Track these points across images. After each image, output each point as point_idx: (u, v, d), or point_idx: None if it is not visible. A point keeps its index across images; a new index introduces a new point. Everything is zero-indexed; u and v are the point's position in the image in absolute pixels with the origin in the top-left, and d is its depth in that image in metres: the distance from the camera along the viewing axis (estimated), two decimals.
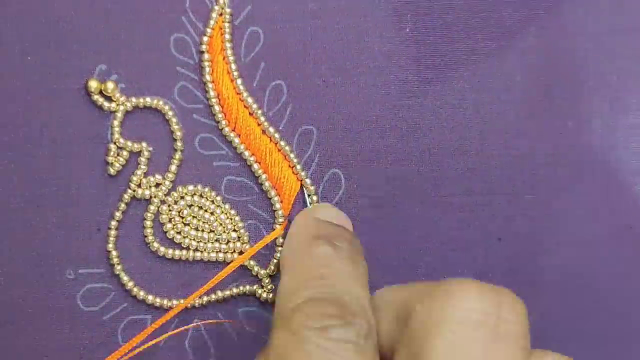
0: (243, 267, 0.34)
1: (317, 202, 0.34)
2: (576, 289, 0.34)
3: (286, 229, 0.33)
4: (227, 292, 0.33)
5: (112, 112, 0.33)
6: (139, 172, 0.33)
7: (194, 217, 0.33)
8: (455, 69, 0.34)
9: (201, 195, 0.33)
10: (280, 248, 0.34)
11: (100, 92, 0.33)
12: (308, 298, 0.25)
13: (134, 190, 0.33)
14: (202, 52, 0.33)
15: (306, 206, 0.33)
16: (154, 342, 0.33)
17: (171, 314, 0.32)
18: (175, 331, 0.33)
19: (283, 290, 0.27)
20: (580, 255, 0.34)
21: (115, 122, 0.33)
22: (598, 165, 0.34)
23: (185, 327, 0.33)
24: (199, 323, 0.33)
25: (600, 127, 0.34)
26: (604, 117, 0.35)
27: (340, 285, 0.26)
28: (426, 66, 0.34)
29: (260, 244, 0.33)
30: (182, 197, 0.33)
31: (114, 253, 0.33)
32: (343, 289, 0.26)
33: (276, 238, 0.34)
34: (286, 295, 0.26)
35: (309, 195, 0.33)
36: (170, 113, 0.33)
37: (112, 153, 0.33)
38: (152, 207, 0.33)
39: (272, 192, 0.33)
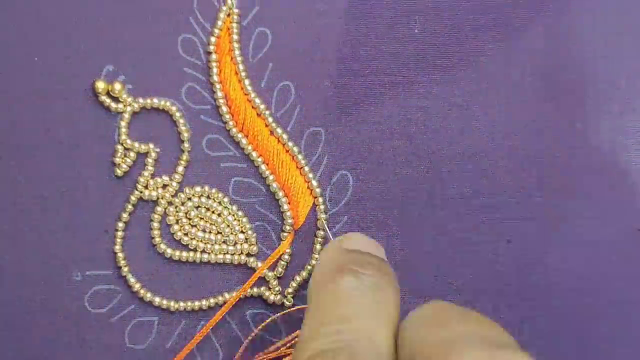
0: (251, 270, 0.33)
1: (325, 209, 0.33)
2: (586, 291, 0.34)
3: (296, 233, 0.33)
4: (235, 295, 0.33)
5: (120, 113, 0.33)
6: (146, 173, 0.33)
7: (201, 218, 0.33)
8: (464, 70, 0.34)
9: (208, 197, 0.33)
10: (288, 250, 0.33)
11: (108, 93, 0.33)
12: (320, 350, 0.24)
13: (141, 192, 0.33)
14: (210, 53, 0.33)
15: (318, 219, 0.33)
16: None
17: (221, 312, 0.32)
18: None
19: (301, 335, 0.25)
20: (589, 257, 0.34)
21: (123, 123, 0.33)
22: (607, 167, 0.34)
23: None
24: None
25: (609, 128, 0.34)
26: (613, 118, 0.34)
27: (360, 328, 0.24)
28: (434, 67, 0.34)
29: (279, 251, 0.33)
30: (189, 199, 0.33)
31: (120, 255, 0.33)
32: (361, 334, 0.24)
33: (284, 240, 0.33)
34: (302, 343, 0.25)
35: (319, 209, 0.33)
36: (178, 114, 0.33)
37: (119, 154, 0.33)
38: (159, 209, 0.33)
39: (280, 194, 0.33)
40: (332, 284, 0.26)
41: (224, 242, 0.33)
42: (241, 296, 0.33)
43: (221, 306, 0.33)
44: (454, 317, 0.25)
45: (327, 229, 0.33)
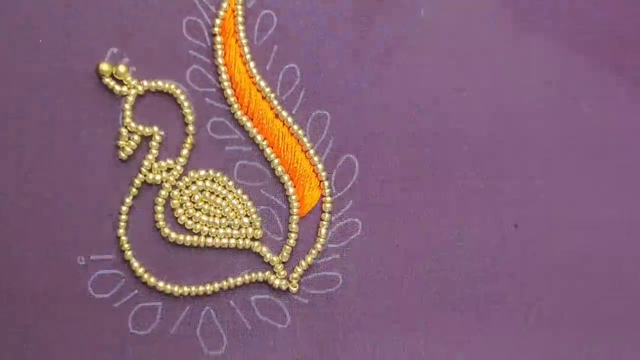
0: (255, 254, 0.33)
1: (330, 193, 0.33)
2: (592, 274, 0.34)
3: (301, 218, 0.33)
4: (239, 279, 0.33)
5: (124, 96, 0.33)
6: (150, 156, 0.33)
7: (205, 202, 0.33)
8: (469, 52, 0.34)
9: (213, 180, 0.33)
10: (294, 235, 0.33)
11: (112, 76, 0.32)
12: None
13: (145, 175, 0.33)
14: (215, 35, 0.33)
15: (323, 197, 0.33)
16: None
17: None
18: None
19: None
20: (596, 239, 0.34)
21: (127, 106, 0.32)
22: (612, 149, 0.34)
23: None
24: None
25: (616, 110, 0.34)
26: (619, 100, 0.34)
27: None
28: (440, 50, 0.34)
29: None
30: (193, 182, 0.33)
31: (124, 239, 0.32)
32: None
33: (289, 224, 0.33)
34: None
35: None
36: (182, 97, 0.33)
37: (123, 137, 0.32)
38: (163, 192, 0.33)
39: (285, 177, 0.33)
40: None
41: (229, 226, 0.33)
42: (246, 281, 0.33)
43: (226, 291, 0.33)
44: None
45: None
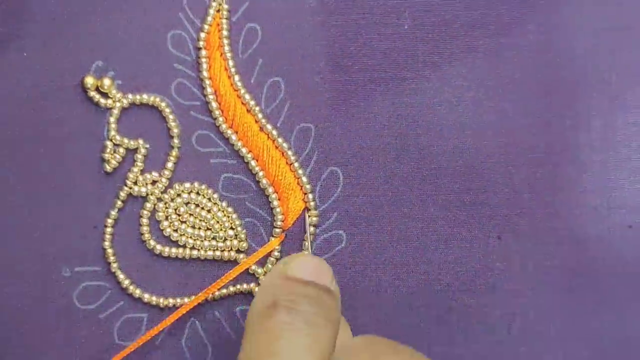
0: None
1: (315, 206, 0.33)
2: (576, 288, 0.34)
3: (284, 231, 0.33)
4: (224, 291, 0.33)
5: (109, 109, 0.33)
6: (135, 169, 0.33)
7: (190, 214, 0.33)
8: (454, 66, 0.34)
9: (198, 193, 0.33)
10: (278, 247, 0.33)
11: (97, 89, 0.33)
12: None
13: (131, 188, 0.33)
14: (200, 49, 0.33)
15: (306, 217, 0.33)
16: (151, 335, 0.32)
17: (181, 311, 0.32)
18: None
19: None
20: (580, 254, 0.34)
21: (112, 119, 0.33)
22: (597, 164, 0.34)
23: None
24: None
25: (600, 125, 0.34)
26: (603, 115, 0.34)
27: None
28: (424, 63, 0.34)
29: (264, 250, 0.33)
30: (178, 195, 0.33)
31: (110, 251, 0.33)
32: None
33: (274, 236, 0.33)
34: None
35: (309, 216, 0.33)
36: (167, 110, 0.33)
37: (108, 150, 0.33)
38: (148, 205, 0.33)
39: (270, 190, 0.33)
40: (266, 319, 0.25)
41: (214, 238, 0.33)
42: (231, 293, 0.33)
43: (211, 303, 0.33)
44: (386, 351, 0.26)
45: (309, 243, 0.33)
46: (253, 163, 0.33)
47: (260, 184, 0.33)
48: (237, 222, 0.33)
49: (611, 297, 0.34)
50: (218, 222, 0.33)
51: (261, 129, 0.33)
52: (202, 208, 0.33)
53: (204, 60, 0.33)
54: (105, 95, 0.33)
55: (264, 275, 0.33)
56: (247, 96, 0.33)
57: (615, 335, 0.34)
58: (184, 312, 0.32)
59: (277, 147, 0.33)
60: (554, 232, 0.34)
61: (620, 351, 0.34)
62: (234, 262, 0.33)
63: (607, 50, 0.34)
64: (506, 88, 0.34)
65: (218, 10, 0.33)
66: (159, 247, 0.33)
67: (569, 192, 0.34)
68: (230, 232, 0.33)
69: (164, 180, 0.33)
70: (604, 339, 0.34)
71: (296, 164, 0.33)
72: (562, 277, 0.34)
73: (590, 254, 0.34)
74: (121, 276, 0.33)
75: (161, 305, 0.33)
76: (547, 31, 0.34)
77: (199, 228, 0.33)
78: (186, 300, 0.33)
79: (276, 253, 0.33)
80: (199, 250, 0.33)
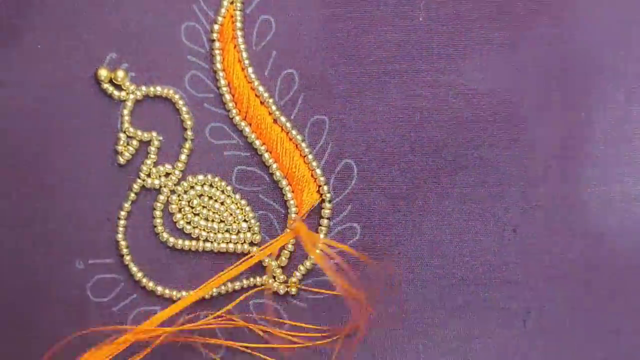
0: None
1: (330, 196, 0.33)
2: (592, 281, 0.34)
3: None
4: (238, 284, 0.33)
5: (122, 101, 0.33)
6: (148, 161, 0.33)
7: (204, 207, 0.33)
8: (469, 58, 0.34)
9: (211, 185, 0.33)
10: (292, 240, 0.33)
11: (110, 81, 0.32)
12: None
13: (144, 180, 0.33)
14: (213, 41, 0.33)
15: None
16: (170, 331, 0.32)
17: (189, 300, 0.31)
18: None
19: None
20: (596, 247, 0.34)
21: (125, 111, 0.33)
22: (612, 156, 0.34)
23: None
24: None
25: (615, 118, 0.34)
26: (618, 107, 0.34)
27: None
28: (439, 56, 0.34)
29: (279, 241, 0.32)
30: (192, 187, 0.33)
31: (123, 243, 0.32)
32: None
33: (288, 228, 0.33)
34: None
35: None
36: (181, 102, 0.33)
37: (121, 142, 0.32)
38: (161, 197, 0.33)
39: (284, 182, 0.33)
40: None
41: (227, 231, 0.33)
42: (244, 286, 0.33)
43: (224, 296, 0.33)
44: None
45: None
46: (267, 155, 0.33)
47: (274, 177, 0.33)
48: (251, 215, 0.33)
49: (627, 290, 0.34)
50: (231, 214, 0.33)
51: (275, 121, 0.33)
52: (216, 200, 0.33)
53: (217, 52, 0.33)
54: (118, 87, 0.33)
55: (278, 268, 0.33)
56: (260, 88, 0.33)
57: (631, 327, 0.34)
58: (196, 299, 0.32)
59: (290, 140, 0.33)
60: (570, 225, 0.34)
61: (636, 344, 0.34)
62: (247, 255, 0.33)
63: (622, 43, 0.34)
64: (521, 81, 0.34)
65: (232, 2, 0.33)
66: (172, 239, 0.33)
67: (584, 185, 0.34)
68: (244, 225, 0.33)
69: (177, 172, 0.33)
70: (620, 332, 0.34)
71: (310, 157, 0.33)
72: (578, 271, 0.34)
73: (606, 247, 0.34)
74: (134, 269, 0.33)
75: (174, 298, 0.33)
76: (562, 24, 0.34)
77: (212, 220, 0.33)
78: (199, 292, 0.33)
79: (290, 246, 0.33)
80: (212, 242, 0.33)
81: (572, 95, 0.34)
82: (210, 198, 0.33)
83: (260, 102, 0.33)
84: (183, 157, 0.33)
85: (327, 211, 0.33)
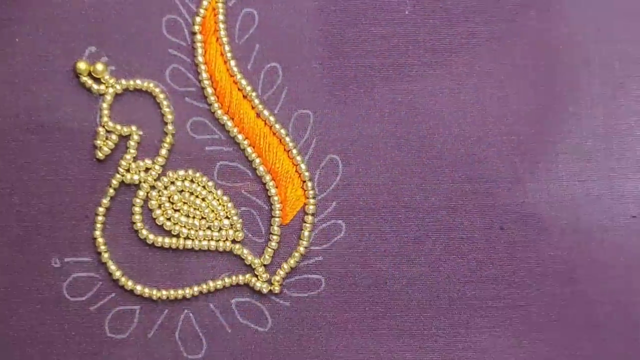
0: (236, 257, 0.32)
1: (314, 192, 0.32)
2: (579, 278, 0.33)
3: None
4: (220, 283, 0.32)
5: (101, 95, 0.32)
6: (128, 156, 0.32)
7: (184, 203, 0.32)
8: (455, 52, 0.33)
9: (192, 181, 0.32)
10: (276, 237, 0.32)
11: (90, 74, 0.32)
12: None
13: (123, 175, 0.32)
14: (195, 34, 0.32)
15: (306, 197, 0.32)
16: None
17: None
18: None
19: None
20: (583, 244, 0.33)
21: (104, 105, 0.32)
22: (600, 152, 0.34)
23: None
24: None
25: (603, 113, 0.34)
26: (606, 103, 0.34)
27: None
28: (425, 49, 0.33)
29: None
30: (172, 183, 0.32)
31: (100, 240, 0.32)
32: None
33: (271, 226, 0.32)
34: None
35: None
36: (162, 96, 0.32)
37: (100, 136, 0.32)
38: (141, 193, 0.32)
39: (267, 178, 0.32)
40: None
41: (208, 228, 0.32)
42: (226, 284, 0.32)
43: (205, 295, 0.32)
44: None
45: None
46: (250, 150, 0.32)
47: (257, 172, 0.32)
48: (233, 212, 0.32)
49: (615, 287, 0.33)
50: (213, 211, 0.32)
51: (258, 115, 0.32)
52: (197, 196, 0.32)
53: (199, 45, 0.32)
54: (98, 80, 0.32)
55: (261, 266, 0.32)
56: (243, 82, 0.32)
57: (619, 323, 0.33)
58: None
59: (274, 134, 0.32)
60: (557, 222, 0.33)
61: (624, 340, 0.33)
62: (230, 253, 0.32)
63: (610, 37, 0.34)
64: (508, 75, 0.33)
65: None
66: (151, 236, 0.32)
67: (572, 182, 0.33)
68: (226, 222, 0.32)
69: (157, 167, 0.32)
70: (606, 329, 0.33)
71: (294, 151, 0.32)
72: (566, 268, 0.33)
73: (594, 243, 0.33)
74: (112, 267, 0.32)
75: (154, 297, 0.32)
76: (549, 18, 0.34)
77: (193, 217, 0.32)
78: (180, 292, 0.32)
79: (274, 244, 0.32)
80: (193, 240, 0.32)
81: (559, 90, 0.33)
82: (191, 194, 0.32)
83: (243, 96, 0.32)
84: (163, 151, 0.32)
85: (312, 207, 0.32)
